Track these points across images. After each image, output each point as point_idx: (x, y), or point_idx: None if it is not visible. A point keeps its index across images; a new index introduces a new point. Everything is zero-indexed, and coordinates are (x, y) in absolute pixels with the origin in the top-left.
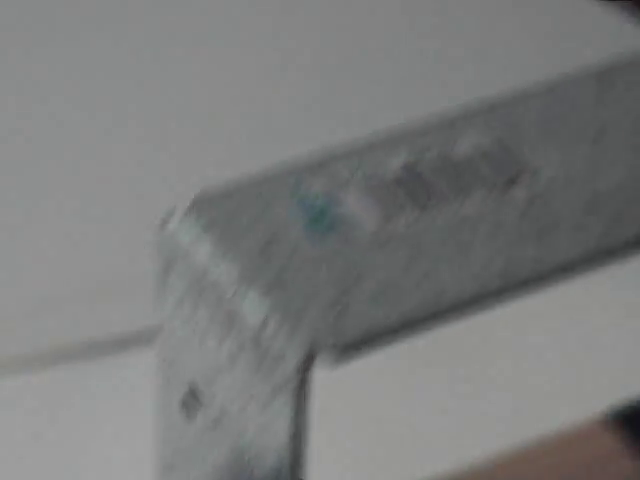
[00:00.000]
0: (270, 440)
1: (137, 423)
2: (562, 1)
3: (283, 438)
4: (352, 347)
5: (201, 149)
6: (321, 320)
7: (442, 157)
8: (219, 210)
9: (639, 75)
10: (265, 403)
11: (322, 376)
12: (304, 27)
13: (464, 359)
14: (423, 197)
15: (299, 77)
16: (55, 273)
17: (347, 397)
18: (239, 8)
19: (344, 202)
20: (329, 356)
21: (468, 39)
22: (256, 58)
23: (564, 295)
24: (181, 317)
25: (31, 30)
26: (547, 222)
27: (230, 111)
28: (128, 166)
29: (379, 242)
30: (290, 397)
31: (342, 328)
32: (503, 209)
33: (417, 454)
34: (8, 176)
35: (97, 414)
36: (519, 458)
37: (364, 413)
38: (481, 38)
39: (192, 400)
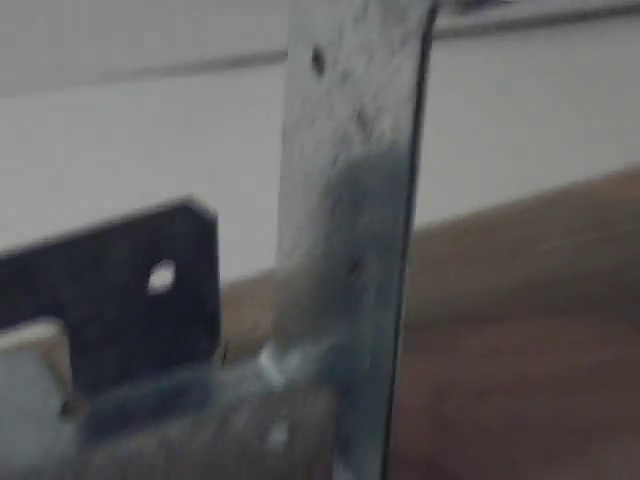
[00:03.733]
0: (392, 94)
1: None
2: None
3: (406, 90)
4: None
5: None
6: None
7: None
8: None
9: None
10: (390, 56)
11: None
12: None
13: None
14: None
15: None
16: None
17: None
18: None
19: None
20: (454, 7)
21: None
22: None
23: None
24: None
25: None
26: None
27: None
28: None
29: None
30: (415, 47)
31: None
32: None
33: None
34: None
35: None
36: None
37: None
38: None
39: (320, 60)
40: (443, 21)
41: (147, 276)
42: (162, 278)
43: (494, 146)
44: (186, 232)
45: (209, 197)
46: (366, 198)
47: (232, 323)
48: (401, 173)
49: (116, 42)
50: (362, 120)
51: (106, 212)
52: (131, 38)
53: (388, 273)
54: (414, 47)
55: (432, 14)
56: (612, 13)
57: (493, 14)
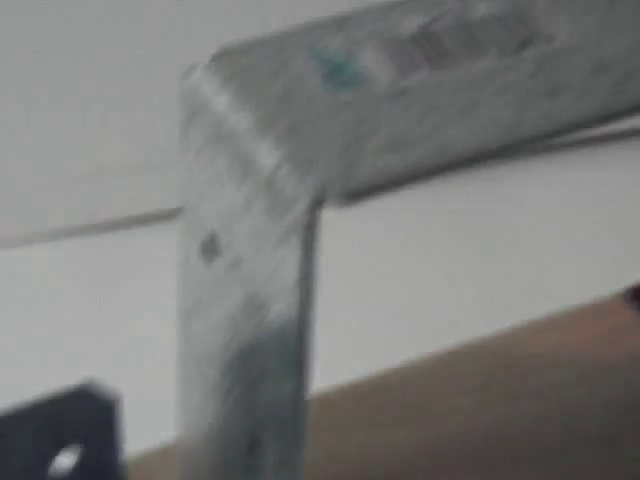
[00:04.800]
0: (279, 284)
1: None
2: None
3: (291, 281)
4: (360, 192)
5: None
6: (332, 166)
7: (457, 19)
8: (239, 64)
9: None
10: (275, 246)
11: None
12: None
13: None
14: (437, 56)
15: None
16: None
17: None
18: None
19: (360, 58)
20: (337, 200)
21: None
22: None
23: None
24: (201, 165)
25: None
26: (556, 83)
27: None
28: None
29: (392, 96)
30: (298, 239)
31: (351, 174)
32: (513, 70)
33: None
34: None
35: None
36: (534, 330)
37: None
38: None
39: (211, 246)
40: None
41: (49, 461)
42: (65, 461)
43: (398, 305)
44: (86, 416)
45: (112, 375)
46: (262, 380)
47: None
48: (293, 357)
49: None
50: (253, 306)
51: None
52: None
53: (285, 454)
54: (298, 239)
55: (315, 207)
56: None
57: None
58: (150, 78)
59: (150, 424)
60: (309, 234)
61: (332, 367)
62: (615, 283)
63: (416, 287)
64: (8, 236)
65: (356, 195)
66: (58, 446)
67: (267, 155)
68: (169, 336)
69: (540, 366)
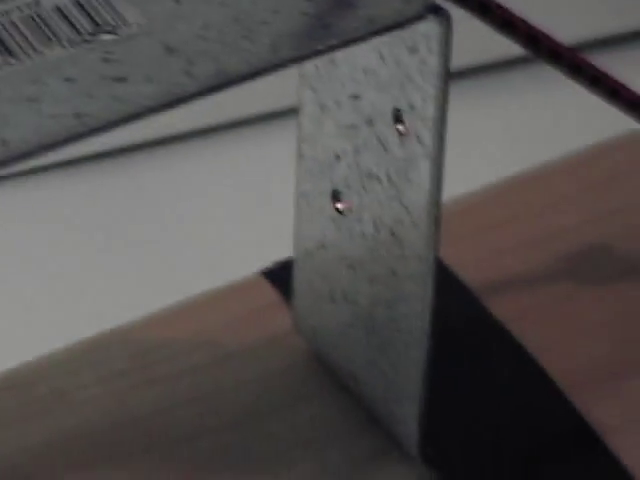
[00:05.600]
0: None
1: None
2: None
3: None
4: None
5: None
6: None
7: (23, 11)
8: None
9: None
10: None
11: None
12: None
13: None
14: (3, 48)
15: None
16: None
17: None
18: None
19: None
20: None
21: None
22: None
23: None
24: None
25: None
26: (124, 68)
27: None
28: None
29: None
30: None
31: None
32: (81, 58)
33: None
34: None
35: None
36: (172, 316)
37: None
38: None
39: None
40: None
41: None
42: None
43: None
44: None
45: None
46: None
47: None
48: None
49: None
50: None
51: None
52: None
53: None
54: None
55: None
56: None
57: None
58: None
59: None
60: None
61: None
62: (254, 263)
63: (53, 278)
64: None
65: None
66: None
67: None
68: None
69: (178, 351)
